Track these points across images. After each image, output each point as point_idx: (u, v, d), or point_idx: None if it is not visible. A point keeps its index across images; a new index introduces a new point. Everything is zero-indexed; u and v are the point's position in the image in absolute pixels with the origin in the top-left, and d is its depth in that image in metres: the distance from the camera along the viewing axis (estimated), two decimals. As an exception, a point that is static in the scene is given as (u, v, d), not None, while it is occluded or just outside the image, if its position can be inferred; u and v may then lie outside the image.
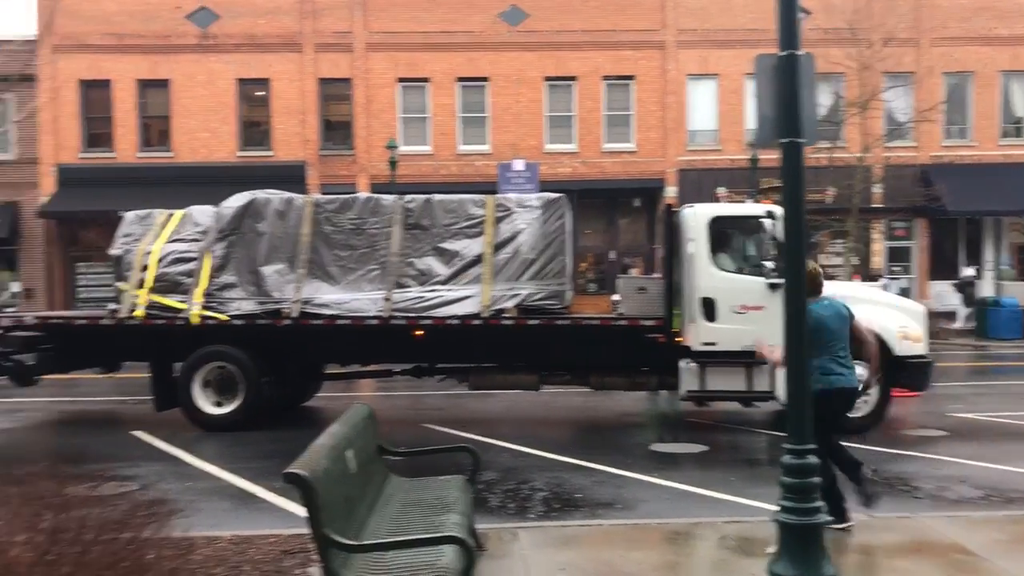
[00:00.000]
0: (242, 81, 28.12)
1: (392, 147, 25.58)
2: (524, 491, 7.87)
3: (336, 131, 28.93)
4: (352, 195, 11.88)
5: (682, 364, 10.73)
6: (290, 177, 25.88)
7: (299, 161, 28.05)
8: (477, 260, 11.30)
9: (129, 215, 12.37)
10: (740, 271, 10.92)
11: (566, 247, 11.45)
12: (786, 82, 4.95)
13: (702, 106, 29.10)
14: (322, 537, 3.72)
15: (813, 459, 4.86)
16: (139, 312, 11.32)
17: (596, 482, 8.17)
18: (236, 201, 11.91)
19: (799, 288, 5.00)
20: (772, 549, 5.11)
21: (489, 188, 22.14)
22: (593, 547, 5.88)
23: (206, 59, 27.66)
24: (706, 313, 10.69)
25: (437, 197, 11.76)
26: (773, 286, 10.54)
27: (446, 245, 11.44)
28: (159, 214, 12.28)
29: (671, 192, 28.57)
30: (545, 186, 24.85)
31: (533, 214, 11.40)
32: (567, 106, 28.77)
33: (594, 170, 28.30)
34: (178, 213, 12.28)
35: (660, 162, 28.67)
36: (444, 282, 11.31)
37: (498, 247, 11.31)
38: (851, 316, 6.56)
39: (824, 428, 5.83)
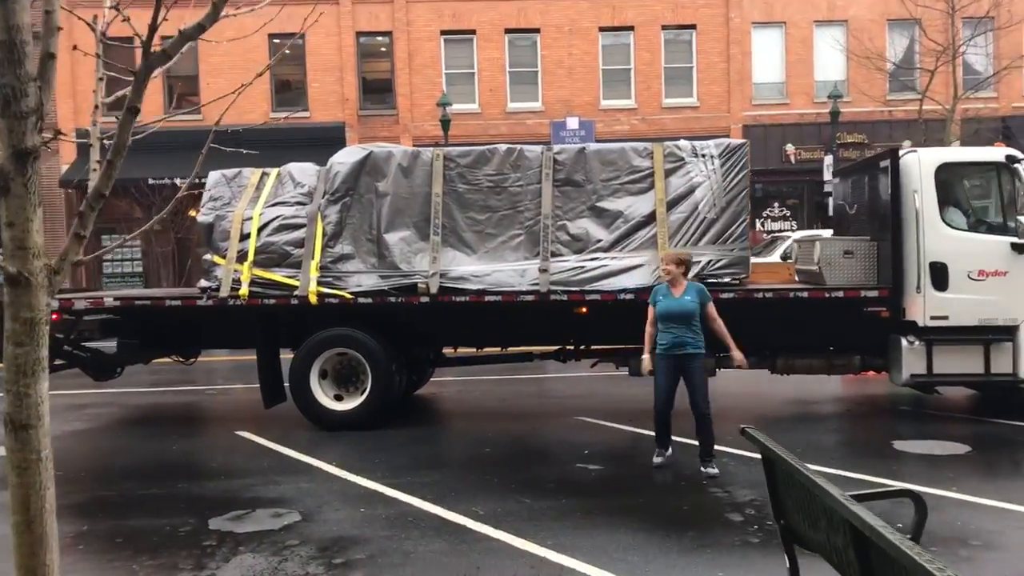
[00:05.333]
0: (273, 36, 25.98)
1: (445, 104, 23.59)
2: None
3: (376, 90, 26.88)
4: (490, 147, 9.96)
5: (905, 343, 8.95)
6: (328, 139, 23.86)
7: (337, 122, 26.09)
8: (646, 221, 9.44)
9: (214, 175, 10.41)
10: (975, 229, 9.10)
11: (747, 205, 9.61)
12: None
13: (768, 57, 27.11)
14: None
15: None
16: (243, 291, 9.44)
17: (890, 502, 6.36)
18: (348, 156, 10.00)
19: None
20: None
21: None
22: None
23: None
24: (935, 281, 8.88)
25: (593, 146, 9.88)
26: (1017, 247, 8.79)
27: (605, 204, 9.56)
28: (251, 173, 10.34)
29: (736, 150, 26.72)
30: (605, 145, 23.02)
31: (711, 164, 9.52)
32: (624, 59, 26.80)
33: (654, 127, 26.31)
34: (273, 172, 10.36)
35: (724, 117, 26.78)
36: (606, 249, 9.45)
37: (670, 205, 9.46)
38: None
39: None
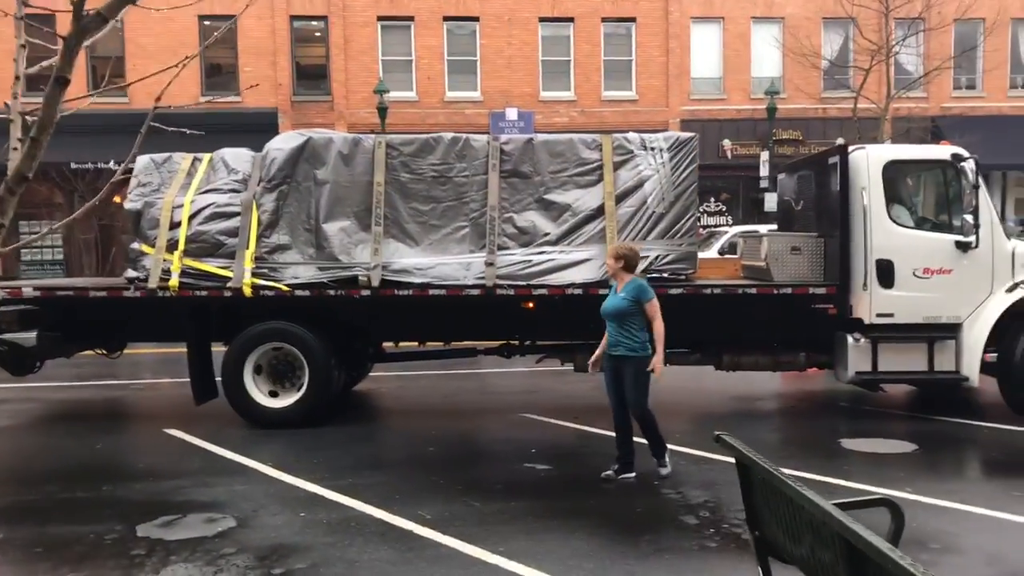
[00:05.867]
0: (203, 18, 25.22)
1: (382, 91, 23.15)
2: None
3: (311, 75, 26.27)
4: (435, 135, 9.65)
5: (851, 340, 8.93)
6: (260, 125, 23.27)
7: (270, 108, 25.41)
8: (594, 215, 9.24)
9: (143, 160, 9.90)
10: (921, 227, 9.13)
11: (696, 199, 9.48)
12: None
13: (706, 52, 27.25)
14: None
15: None
16: (173, 282, 8.98)
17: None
18: (286, 142, 9.57)
19: None
20: None
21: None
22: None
23: (163, -8, 24.61)
24: (882, 278, 8.87)
25: (540, 137, 9.65)
26: (961, 245, 8.83)
27: (553, 197, 9.33)
28: (181, 158, 9.88)
29: (674, 144, 26.80)
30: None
31: (660, 158, 9.35)
32: (564, 50, 26.67)
33: (593, 120, 26.24)
34: (206, 157, 9.91)
35: (663, 112, 26.82)
36: (554, 242, 9.23)
37: (619, 199, 9.28)
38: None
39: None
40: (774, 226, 21.50)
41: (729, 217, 27.45)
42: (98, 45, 25.16)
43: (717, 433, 3.60)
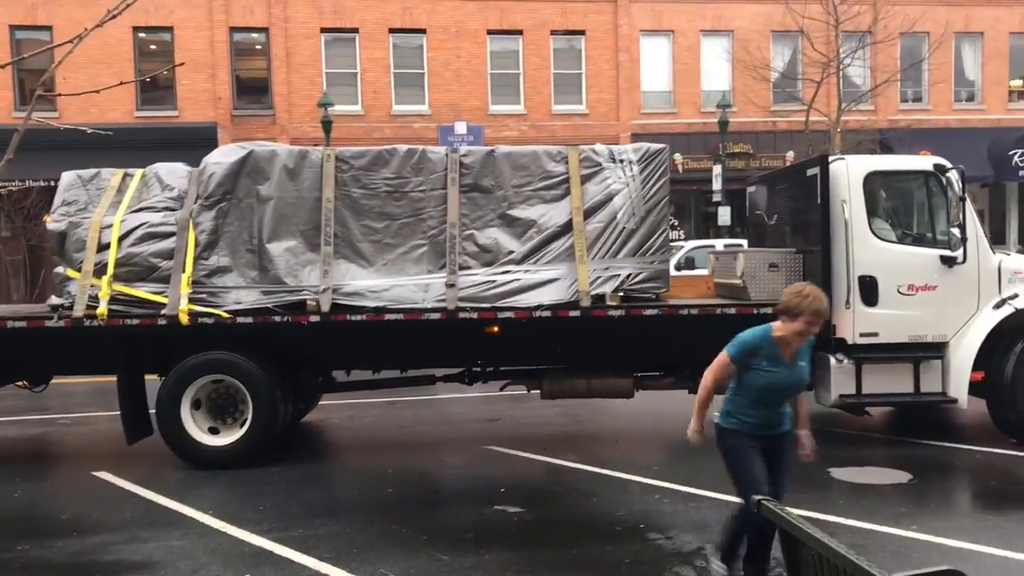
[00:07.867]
0: (138, 29, 24.23)
1: (327, 104, 22.35)
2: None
3: (251, 89, 25.37)
4: (389, 147, 8.95)
5: (834, 361, 8.45)
6: (198, 140, 22.26)
7: (209, 122, 24.46)
8: (561, 231, 8.63)
9: (68, 176, 9.05)
10: (904, 241, 8.69)
11: (667, 214, 8.94)
12: None
13: (656, 65, 26.97)
14: None
15: None
16: (101, 309, 8.14)
17: (855, 545, 5.71)
18: (226, 156, 8.80)
19: None
20: None
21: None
22: None
23: (95, 3, 23.53)
24: (865, 295, 8.41)
25: (503, 149, 9.00)
26: (947, 260, 8.42)
27: (516, 212, 8.70)
28: (111, 174, 9.04)
29: (625, 158, 26.44)
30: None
31: (630, 170, 8.78)
32: (513, 63, 26.16)
33: (543, 134, 25.73)
34: (138, 173, 9.10)
35: (614, 125, 26.46)
36: (519, 261, 8.60)
37: (588, 214, 8.69)
38: None
39: None
40: (730, 240, 21.25)
41: (681, 232, 27.14)
42: (27, 60, 24.04)
43: (758, 498, 2.99)
